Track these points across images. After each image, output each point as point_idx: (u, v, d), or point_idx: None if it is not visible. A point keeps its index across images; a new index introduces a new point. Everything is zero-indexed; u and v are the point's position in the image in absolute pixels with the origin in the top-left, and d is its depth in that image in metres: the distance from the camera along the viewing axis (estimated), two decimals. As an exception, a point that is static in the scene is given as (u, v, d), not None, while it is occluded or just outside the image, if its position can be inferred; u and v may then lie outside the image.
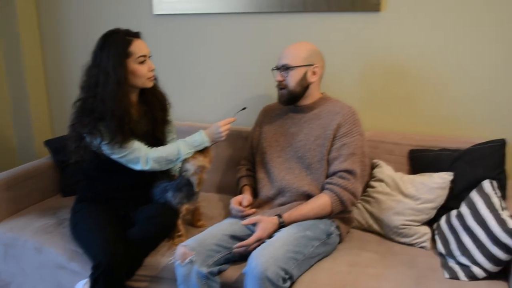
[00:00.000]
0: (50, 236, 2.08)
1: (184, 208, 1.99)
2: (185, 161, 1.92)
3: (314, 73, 1.96)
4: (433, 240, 1.93)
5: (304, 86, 1.96)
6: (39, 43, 3.00)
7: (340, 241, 1.93)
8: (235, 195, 2.08)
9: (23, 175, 2.39)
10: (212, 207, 2.32)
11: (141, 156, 1.89)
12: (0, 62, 2.94)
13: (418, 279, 1.67)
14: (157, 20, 2.67)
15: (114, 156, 1.90)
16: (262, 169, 2.06)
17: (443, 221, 1.92)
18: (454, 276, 1.69)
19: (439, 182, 1.94)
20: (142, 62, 1.91)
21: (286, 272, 1.60)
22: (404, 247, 1.92)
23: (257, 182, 2.07)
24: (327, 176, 1.90)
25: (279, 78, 1.98)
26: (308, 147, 1.94)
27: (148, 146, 1.94)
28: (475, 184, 1.90)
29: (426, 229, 1.94)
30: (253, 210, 1.97)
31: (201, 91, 2.68)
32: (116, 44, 1.86)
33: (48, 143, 2.61)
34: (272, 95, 2.18)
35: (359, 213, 2.07)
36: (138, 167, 1.90)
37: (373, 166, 2.16)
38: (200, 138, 1.93)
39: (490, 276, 1.66)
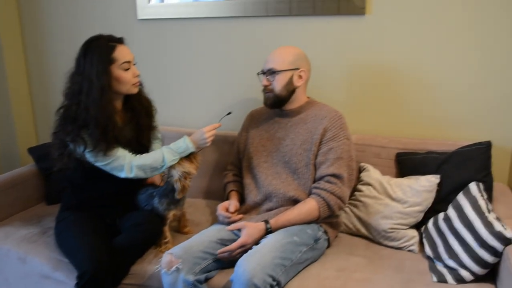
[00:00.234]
0: (35, 245, 2.04)
1: (171, 214, 1.97)
2: (171, 167, 1.90)
3: (300, 77, 1.95)
4: (421, 243, 1.93)
5: (290, 90, 1.96)
6: (22, 49, 2.95)
7: (328, 246, 1.93)
8: (222, 200, 2.07)
9: (7, 183, 2.34)
10: (199, 213, 2.30)
11: (125, 163, 1.86)
12: (-18, 70, 2.90)
13: (406, 283, 1.67)
14: (141, 25, 2.65)
15: (98, 164, 1.87)
16: (249, 174, 2.05)
17: (430, 224, 1.93)
18: (442, 280, 1.69)
19: (426, 185, 1.95)
20: (126, 69, 1.88)
21: (274, 279, 1.59)
22: (392, 251, 1.92)
23: (244, 187, 2.06)
24: (314, 181, 1.90)
25: (265, 82, 1.97)
26: (294, 151, 1.93)
27: (133, 153, 1.91)
28: (462, 186, 1.90)
29: (414, 233, 1.94)
30: (240, 216, 1.95)
31: (187, 96, 2.67)
32: (99, 50, 1.83)
33: (32, 150, 2.57)
34: (258, 99, 2.17)
35: (346, 217, 2.06)
36: (122, 174, 1.88)
37: (360, 170, 2.16)
38: (185, 145, 1.90)
39: (477, 279, 1.66)
